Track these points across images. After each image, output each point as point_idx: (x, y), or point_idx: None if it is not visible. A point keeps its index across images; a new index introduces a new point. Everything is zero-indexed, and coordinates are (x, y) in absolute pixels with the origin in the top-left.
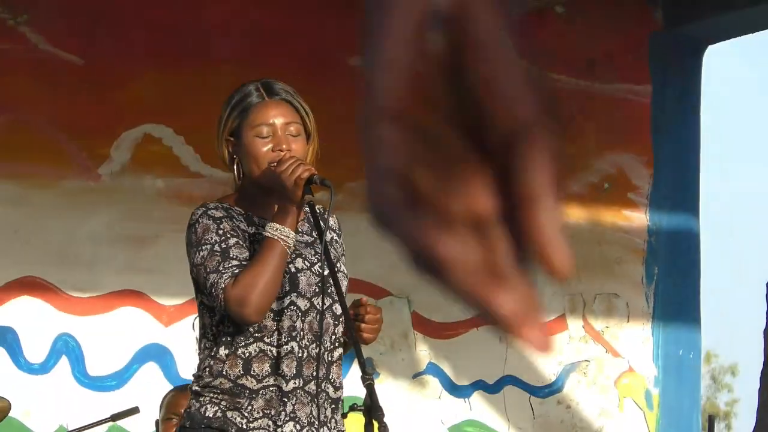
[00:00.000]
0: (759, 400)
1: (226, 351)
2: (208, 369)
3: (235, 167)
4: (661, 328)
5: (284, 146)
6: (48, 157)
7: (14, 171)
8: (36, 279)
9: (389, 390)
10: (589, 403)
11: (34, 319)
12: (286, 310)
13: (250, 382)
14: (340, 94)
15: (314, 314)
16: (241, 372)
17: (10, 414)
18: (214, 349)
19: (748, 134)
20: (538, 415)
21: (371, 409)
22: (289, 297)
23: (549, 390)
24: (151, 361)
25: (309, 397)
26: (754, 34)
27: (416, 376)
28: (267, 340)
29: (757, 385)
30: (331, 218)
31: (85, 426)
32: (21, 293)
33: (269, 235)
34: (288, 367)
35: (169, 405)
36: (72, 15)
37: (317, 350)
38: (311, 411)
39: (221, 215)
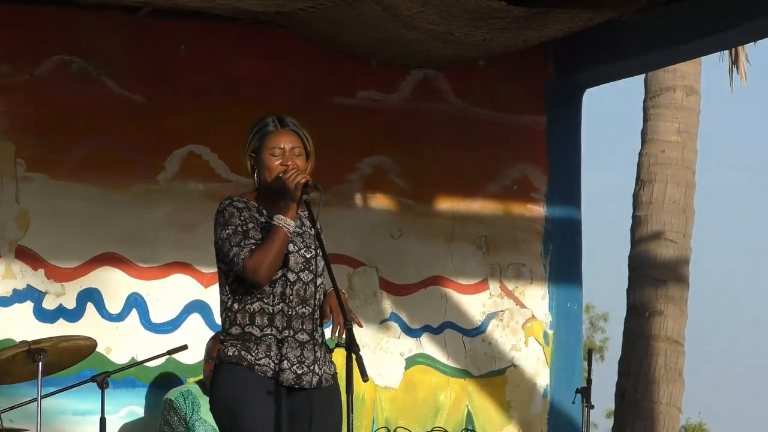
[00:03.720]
0: (623, 340)
1: (237, 306)
2: (226, 320)
3: (255, 175)
4: (554, 288)
5: (290, 162)
6: (122, 168)
7: (99, 178)
8: (114, 254)
9: (362, 332)
10: (504, 341)
11: (112, 282)
12: (279, 280)
13: (255, 331)
14: (329, 124)
15: (300, 284)
16: (248, 322)
17: (96, 350)
18: (229, 304)
19: (608, 150)
20: (468, 350)
21: (350, 345)
22: (281, 271)
23: (476, 332)
24: (195, 312)
25: (297, 344)
26: (616, 81)
27: (382, 322)
28: (265, 301)
29: (622, 328)
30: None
31: (149, 358)
32: (103, 264)
33: (276, 223)
34: (280, 322)
35: (207, 351)
36: (136, 68)
37: (303, 310)
38: (301, 353)
39: (242, 206)
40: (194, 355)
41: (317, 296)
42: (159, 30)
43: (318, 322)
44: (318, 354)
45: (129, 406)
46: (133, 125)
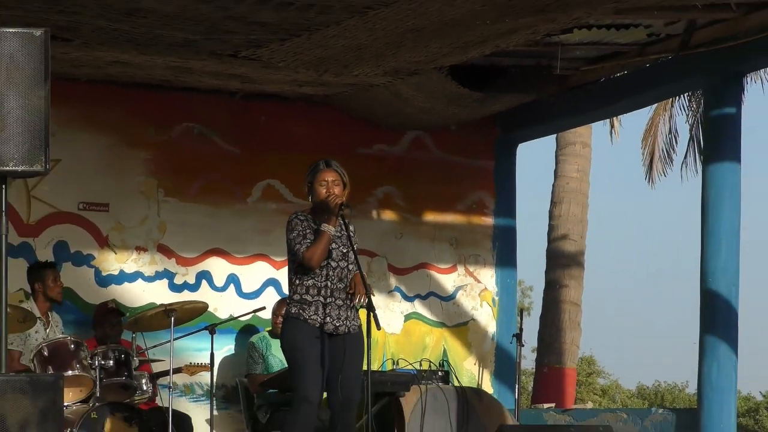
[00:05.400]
0: (542, 303)
1: (298, 282)
2: (291, 290)
3: (309, 198)
4: (498, 270)
5: (331, 190)
6: (225, 194)
7: (210, 201)
8: (219, 248)
9: (376, 299)
10: (467, 304)
11: (218, 266)
12: (324, 266)
13: (309, 297)
14: (355, 165)
15: (338, 269)
16: (304, 292)
17: (208, 310)
18: (293, 280)
19: (533, 182)
20: (444, 310)
21: (369, 307)
22: (326, 260)
23: (449, 298)
24: (270, 286)
25: (336, 306)
26: (539, 138)
27: (389, 292)
28: (315, 279)
29: (542, 296)
30: (351, 226)
31: (241, 315)
32: (213, 255)
33: (323, 230)
34: (325, 292)
35: (274, 310)
36: (234, 131)
37: (340, 285)
38: (338, 312)
39: (302, 219)
40: (268, 313)
41: (349, 276)
42: (249, 106)
43: (349, 292)
44: (349, 313)
45: (227, 345)
46: (232, 167)
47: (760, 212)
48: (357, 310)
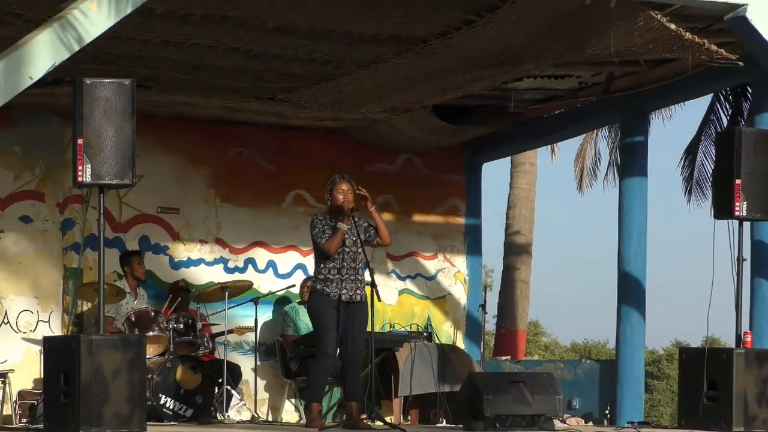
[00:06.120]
0: (501, 282)
1: (321, 265)
2: (317, 271)
3: (328, 203)
4: (468, 257)
5: (345, 197)
6: (265, 200)
7: (254, 205)
8: (261, 241)
9: (378, 278)
10: (445, 282)
11: (260, 255)
12: (340, 253)
13: (330, 276)
14: (363, 179)
15: (351, 254)
16: (327, 272)
17: (252, 287)
18: (318, 264)
19: (494, 192)
20: (428, 287)
21: (373, 284)
22: (342, 248)
23: (432, 278)
24: (299, 269)
25: (349, 282)
26: (499, 159)
27: (387, 273)
28: (334, 262)
29: (501, 276)
30: (361, 220)
31: (278, 290)
32: (256, 246)
33: (338, 227)
34: (341, 272)
35: (301, 286)
36: (273, 153)
37: (353, 265)
38: (350, 286)
39: (322, 218)
40: (297, 288)
41: (359, 258)
42: (284, 135)
43: (359, 272)
44: (359, 287)
45: (267, 313)
46: (270, 180)
47: (660, 214)
48: (364, 285)
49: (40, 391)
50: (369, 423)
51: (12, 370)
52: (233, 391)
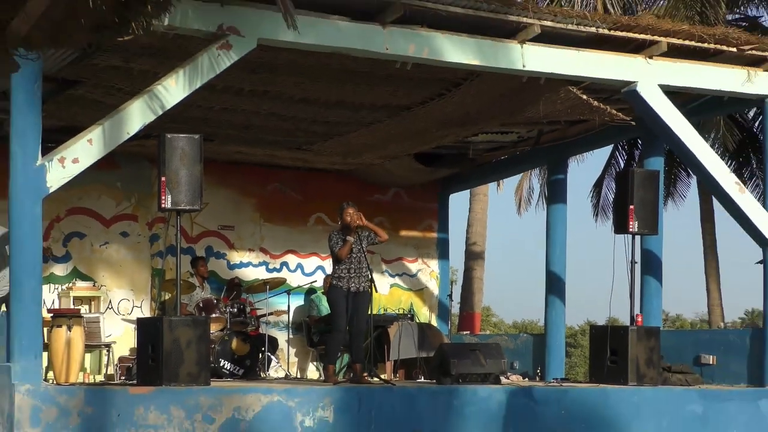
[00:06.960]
0: (463, 278)
1: (336, 267)
2: (333, 271)
3: (340, 223)
4: (440, 261)
5: (353, 218)
6: (294, 221)
7: (287, 224)
8: (292, 250)
9: (375, 275)
10: (423, 279)
11: (292, 260)
12: (349, 258)
13: (342, 274)
14: (365, 207)
15: (357, 259)
16: (341, 271)
17: (286, 282)
18: (334, 266)
19: (457, 214)
20: (411, 282)
21: (372, 281)
22: (351, 255)
23: (413, 276)
24: (320, 270)
25: (357, 277)
26: (462, 191)
27: (381, 272)
28: (345, 265)
29: (462, 274)
30: (364, 232)
31: (305, 284)
32: (289, 253)
33: (347, 239)
34: (350, 271)
35: (324, 281)
36: (299, 187)
37: (359, 266)
38: (356, 281)
39: (336, 234)
40: (319, 282)
41: (363, 263)
42: (308, 175)
43: (363, 271)
44: (363, 282)
45: (297, 302)
46: (298, 206)
47: (576, 230)
48: (366, 280)
49: (135, 357)
50: (369, 379)
51: (114, 342)
52: (272, 357)
